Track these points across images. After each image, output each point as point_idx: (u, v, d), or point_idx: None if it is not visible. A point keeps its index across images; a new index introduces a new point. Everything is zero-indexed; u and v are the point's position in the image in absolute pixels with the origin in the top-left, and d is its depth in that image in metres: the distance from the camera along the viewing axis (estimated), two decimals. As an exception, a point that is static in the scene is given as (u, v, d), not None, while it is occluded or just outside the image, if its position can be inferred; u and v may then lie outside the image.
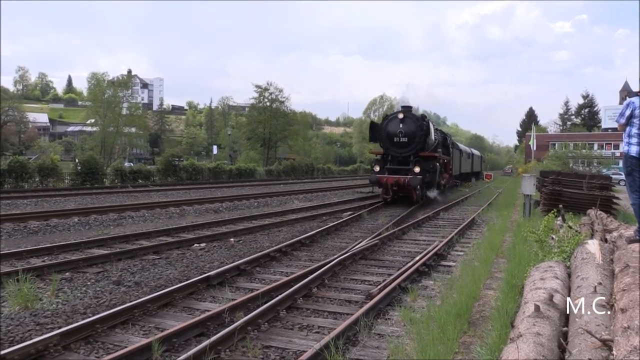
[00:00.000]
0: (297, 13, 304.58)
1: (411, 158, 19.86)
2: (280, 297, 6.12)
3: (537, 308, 3.48)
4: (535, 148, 55.32)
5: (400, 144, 20.09)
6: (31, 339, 4.86)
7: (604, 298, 3.74)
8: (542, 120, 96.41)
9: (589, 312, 3.48)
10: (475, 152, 47.83)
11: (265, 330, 5.38)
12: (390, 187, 19.28)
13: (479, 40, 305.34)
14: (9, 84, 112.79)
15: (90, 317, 5.50)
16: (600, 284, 4.09)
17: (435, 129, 23.70)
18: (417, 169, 19.29)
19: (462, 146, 35.39)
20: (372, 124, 22.06)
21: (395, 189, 19.31)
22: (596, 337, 2.89)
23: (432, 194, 21.34)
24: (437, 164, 20.87)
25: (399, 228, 12.41)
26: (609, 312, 3.47)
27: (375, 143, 22.12)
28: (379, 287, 6.87)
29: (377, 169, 20.30)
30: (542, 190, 16.29)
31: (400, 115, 20.23)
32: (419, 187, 19.26)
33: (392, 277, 7.50)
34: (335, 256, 8.74)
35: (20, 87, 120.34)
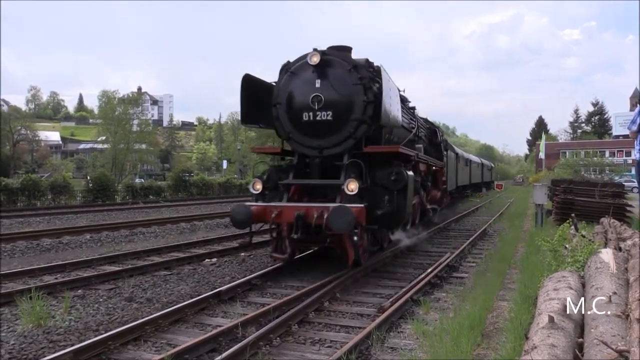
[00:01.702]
0: (304, 25, 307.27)
1: (344, 160, 8.82)
2: (292, 311, 6.09)
3: (551, 319, 3.44)
4: (544, 157, 55.07)
5: (315, 125, 8.97)
6: (44, 356, 4.87)
7: (619, 308, 3.69)
8: (553, 128, 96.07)
9: (604, 323, 3.43)
10: (474, 157, 37.11)
11: (277, 345, 5.35)
12: (288, 232, 8.35)
13: (487, 50, 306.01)
14: (21, 103, 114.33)
15: (102, 334, 5.50)
16: (615, 293, 4.03)
17: (411, 110, 13.46)
18: (353, 186, 8.15)
19: (458, 149, 25.71)
20: (250, 81, 9.92)
21: (298, 235, 8.08)
22: (612, 348, 2.85)
23: (403, 236, 10.72)
24: (408, 174, 8.99)
25: (408, 240, 12.30)
26: (624, 322, 3.42)
27: (265, 128, 11.25)
28: (390, 300, 6.83)
29: (259, 187, 9.27)
30: (554, 199, 16.18)
31: (315, 59, 8.82)
32: (358, 230, 8.05)
33: (404, 289, 7.45)
34: (347, 269, 8.70)
35: (32, 106, 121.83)
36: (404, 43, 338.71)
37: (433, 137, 16.24)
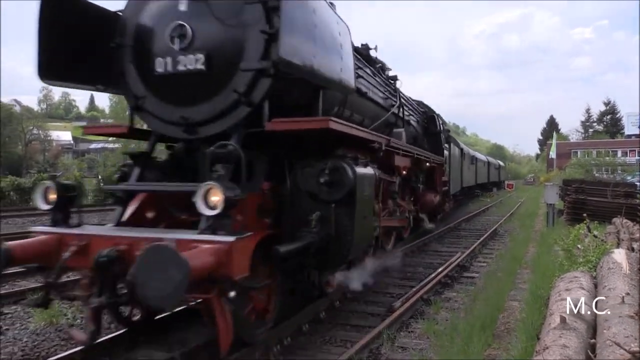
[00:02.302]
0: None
1: (227, 148, 4.48)
2: (302, 310, 6.08)
3: (563, 320, 3.43)
4: (555, 157, 54.73)
5: (176, 81, 4.95)
6: (57, 354, 4.91)
7: (632, 309, 3.67)
8: (564, 128, 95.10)
9: (617, 323, 3.41)
10: (481, 155, 33.12)
11: (288, 344, 5.35)
12: (87, 288, 4.19)
13: (497, 50, 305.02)
14: (33, 103, 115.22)
15: (114, 332, 5.54)
16: (628, 294, 4.01)
17: (391, 81, 9.78)
18: (215, 198, 3.96)
19: (463, 145, 22.14)
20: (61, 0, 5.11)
21: (101, 298, 4.04)
22: (625, 349, 2.83)
23: (358, 276, 6.48)
24: (358, 173, 5.08)
25: (420, 240, 12.29)
26: (638, 323, 3.40)
27: (105, 91, 6.13)
28: (401, 299, 6.82)
29: (52, 197, 4.67)
30: (566, 199, 16.08)
31: None
32: (236, 289, 3.86)
33: (414, 289, 7.44)
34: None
35: (44, 107, 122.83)
36: (416, 44, 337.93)
37: (430, 124, 13.09)
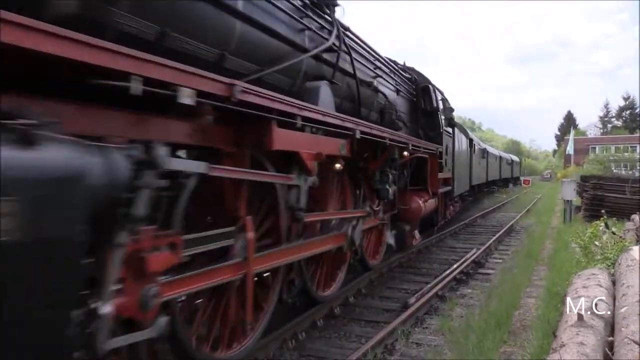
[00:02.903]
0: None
1: None
2: (317, 306, 6.10)
3: (580, 317, 3.40)
4: (572, 153, 54.17)
5: None
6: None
7: (651, 307, 3.63)
8: (582, 123, 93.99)
9: (635, 321, 3.38)
10: (492, 149, 30.51)
11: (302, 339, 5.37)
12: None
13: (516, 44, 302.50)
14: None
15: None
16: (646, 292, 3.96)
17: (315, 4, 5.36)
18: None
19: (472, 135, 19.31)
20: None
21: None
22: (644, 347, 2.81)
23: None
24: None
25: (435, 236, 12.26)
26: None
27: None
28: (416, 295, 6.81)
29: None
30: (583, 195, 15.92)
31: None
32: None
33: (429, 285, 7.43)
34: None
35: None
36: (429, 39, 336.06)
37: (423, 98, 9.75)
